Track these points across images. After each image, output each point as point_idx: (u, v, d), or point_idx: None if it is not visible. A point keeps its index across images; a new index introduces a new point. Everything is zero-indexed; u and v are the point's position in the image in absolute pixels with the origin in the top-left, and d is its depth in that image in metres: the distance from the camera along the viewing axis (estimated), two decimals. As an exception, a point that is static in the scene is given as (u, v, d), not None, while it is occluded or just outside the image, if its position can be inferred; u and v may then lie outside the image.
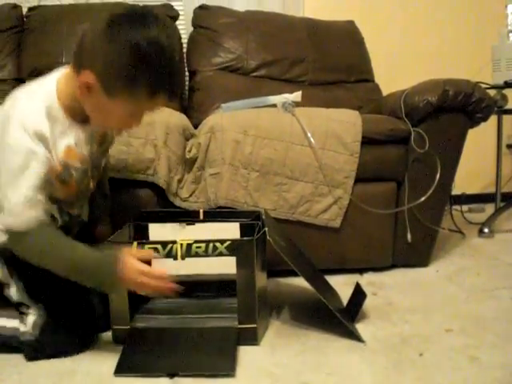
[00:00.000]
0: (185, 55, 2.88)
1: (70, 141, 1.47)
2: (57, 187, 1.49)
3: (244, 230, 1.82)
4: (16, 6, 2.78)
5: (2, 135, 1.37)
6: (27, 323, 1.52)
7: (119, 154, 1.94)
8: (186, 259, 1.53)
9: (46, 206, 1.43)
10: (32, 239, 1.40)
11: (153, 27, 1.32)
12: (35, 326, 1.51)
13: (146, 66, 1.32)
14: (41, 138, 1.38)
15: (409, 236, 2.17)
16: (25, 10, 2.80)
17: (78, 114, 1.47)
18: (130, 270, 1.42)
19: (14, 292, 1.54)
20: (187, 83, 2.91)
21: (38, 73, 2.62)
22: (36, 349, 1.51)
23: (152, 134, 1.96)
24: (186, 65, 2.87)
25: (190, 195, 2.04)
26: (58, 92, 1.44)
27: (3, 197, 1.38)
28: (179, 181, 2.01)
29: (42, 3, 2.92)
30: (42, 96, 1.43)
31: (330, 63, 2.87)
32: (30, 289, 1.54)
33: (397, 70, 3.21)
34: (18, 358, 1.52)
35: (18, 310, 1.56)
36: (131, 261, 1.43)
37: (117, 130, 1.64)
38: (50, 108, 1.42)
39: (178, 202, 2.01)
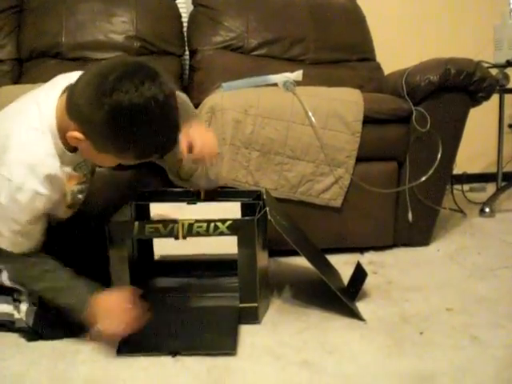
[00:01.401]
0: (185, 34, 2.87)
1: (68, 169, 1.44)
2: (64, 211, 1.53)
3: (245, 209, 1.82)
4: (15, -14, 2.76)
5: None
6: (21, 310, 1.52)
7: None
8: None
9: (41, 236, 1.46)
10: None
11: (146, 87, 1.23)
12: (28, 314, 1.51)
13: (134, 135, 1.27)
14: (52, 181, 1.37)
15: (410, 215, 2.17)
16: (24, -10, 2.78)
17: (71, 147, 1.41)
18: (106, 300, 1.42)
19: (5, 277, 1.53)
20: (188, 62, 2.90)
21: (37, 53, 2.62)
22: (31, 336, 1.51)
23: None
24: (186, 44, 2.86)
25: (191, 175, 2.03)
26: (58, 125, 1.36)
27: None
28: (180, 161, 2.01)
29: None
30: (47, 133, 1.36)
31: (331, 42, 2.85)
32: None
33: (398, 49, 3.18)
34: (19, 338, 1.52)
35: (12, 296, 1.55)
36: (110, 294, 1.44)
37: None
38: (56, 145, 1.37)
39: (179, 182, 2.01)
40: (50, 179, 1.36)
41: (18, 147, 1.33)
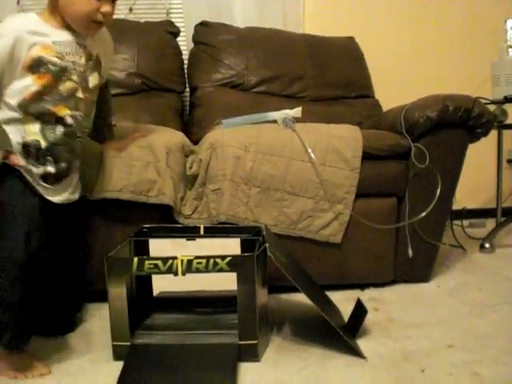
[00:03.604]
0: (186, 71, 2.90)
1: (47, 40, 1.56)
2: (32, 79, 1.56)
3: (245, 245, 1.82)
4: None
5: None
6: None
7: (121, 175, 1.92)
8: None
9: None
10: None
11: None
12: None
13: None
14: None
15: (410, 251, 2.16)
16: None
17: (58, 22, 1.60)
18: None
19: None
20: (188, 99, 2.93)
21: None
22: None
23: (153, 156, 1.95)
24: (187, 81, 2.89)
25: (193, 212, 2.03)
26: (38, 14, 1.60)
27: None
28: (182, 198, 2.01)
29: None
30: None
31: (330, 79, 2.88)
32: None
33: (396, 85, 3.21)
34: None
35: None
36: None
37: (91, 24, 1.62)
38: (33, 19, 1.58)
39: (181, 220, 2.00)
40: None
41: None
